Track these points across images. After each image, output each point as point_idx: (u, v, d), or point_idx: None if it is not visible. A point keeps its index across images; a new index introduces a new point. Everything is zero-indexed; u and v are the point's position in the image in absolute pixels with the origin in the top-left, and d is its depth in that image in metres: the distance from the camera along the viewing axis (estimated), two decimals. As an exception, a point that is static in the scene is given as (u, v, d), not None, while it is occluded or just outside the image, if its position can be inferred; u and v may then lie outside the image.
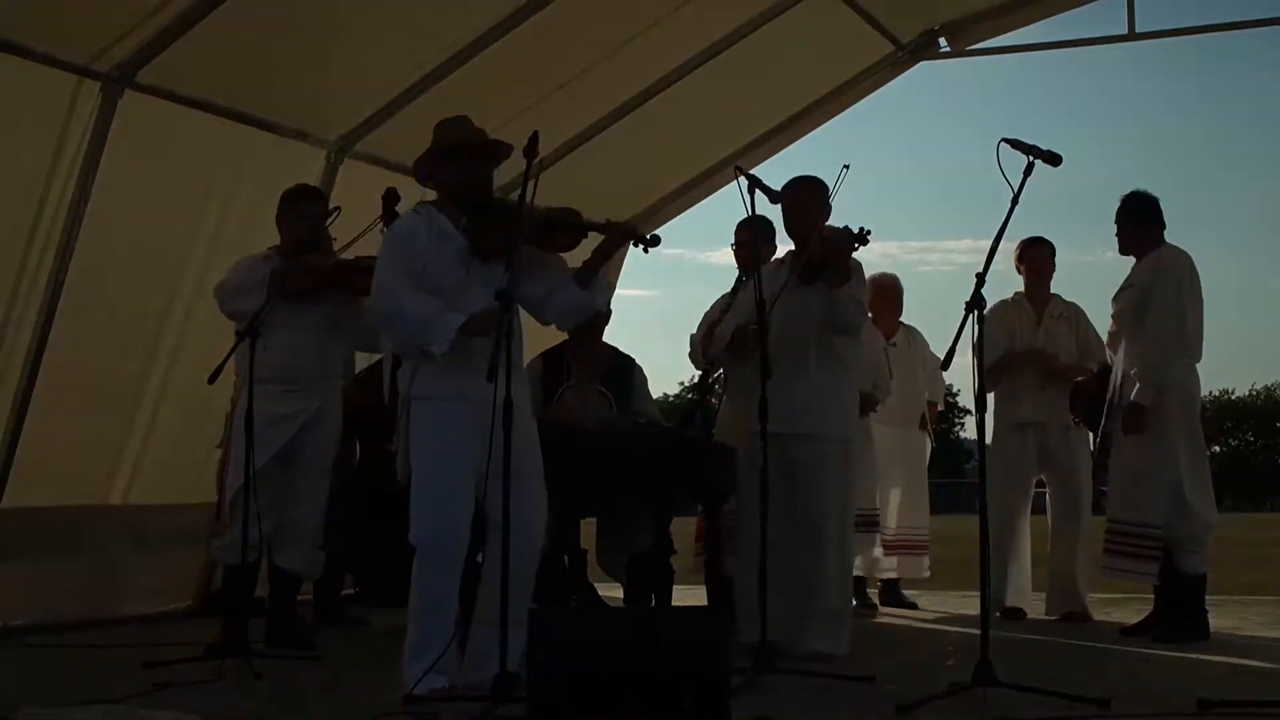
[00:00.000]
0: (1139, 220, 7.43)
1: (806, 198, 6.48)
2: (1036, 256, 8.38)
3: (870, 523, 8.43)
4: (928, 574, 9.16)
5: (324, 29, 7.48)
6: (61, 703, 4.95)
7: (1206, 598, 7.31)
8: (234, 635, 6.08)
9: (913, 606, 8.99)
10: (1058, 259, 8.42)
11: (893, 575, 9.07)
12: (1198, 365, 7.35)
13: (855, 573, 8.28)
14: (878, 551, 8.81)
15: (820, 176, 6.55)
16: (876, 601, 9.07)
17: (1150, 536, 7.18)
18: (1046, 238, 8.42)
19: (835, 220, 6.43)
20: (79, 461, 7.58)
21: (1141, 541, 7.21)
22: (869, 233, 6.27)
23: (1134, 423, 7.18)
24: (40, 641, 6.97)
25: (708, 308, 7.38)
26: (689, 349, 7.38)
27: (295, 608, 7.04)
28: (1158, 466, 7.17)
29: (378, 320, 5.51)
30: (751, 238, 6.81)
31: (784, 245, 6.87)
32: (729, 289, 7.34)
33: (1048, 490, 8.46)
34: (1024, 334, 8.27)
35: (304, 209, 6.69)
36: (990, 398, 8.00)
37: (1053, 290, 8.43)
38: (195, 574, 8.32)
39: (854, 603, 8.53)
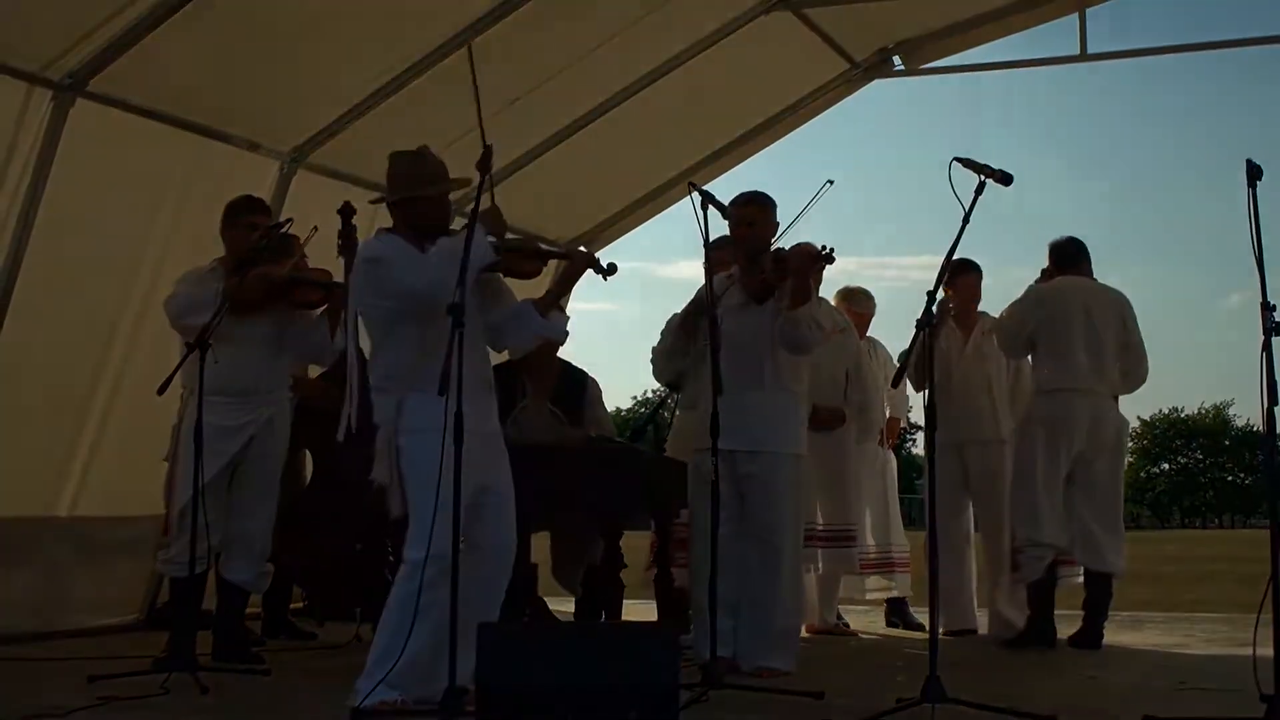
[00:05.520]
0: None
1: (753, 212, 6.45)
2: (966, 283, 8.27)
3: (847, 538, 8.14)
4: (910, 593, 8.79)
5: (279, 40, 7.46)
6: (5, 717, 4.90)
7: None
8: (181, 648, 6.05)
9: (920, 628, 8.38)
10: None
11: (881, 595, 8.79)
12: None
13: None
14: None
15: (767, 192, 6.53)
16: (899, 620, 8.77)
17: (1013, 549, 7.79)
18: (975, 262, 8.35)
19: (799, 236, 6.43)
20: (26, 472, 7.49)
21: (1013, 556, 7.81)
22: (832, 251, 6.25)
23: None
24: (-16, 654, 6.89)
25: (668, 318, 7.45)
26: (651, 360, 7.39)
27: (243, 621, 7.00)
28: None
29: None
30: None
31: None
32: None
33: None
34: (953, 352, 8.22)
35: (247, 221, 6.65)
36: None
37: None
38: (142, 587, 8.25)
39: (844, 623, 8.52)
